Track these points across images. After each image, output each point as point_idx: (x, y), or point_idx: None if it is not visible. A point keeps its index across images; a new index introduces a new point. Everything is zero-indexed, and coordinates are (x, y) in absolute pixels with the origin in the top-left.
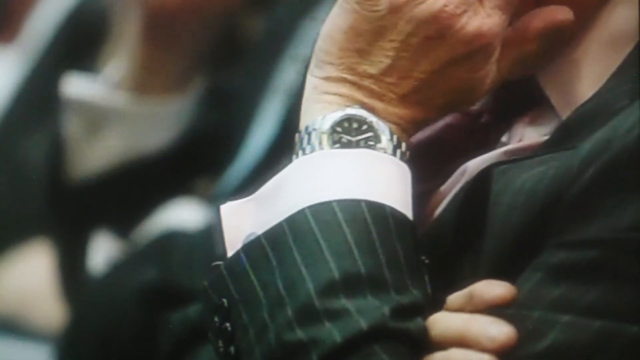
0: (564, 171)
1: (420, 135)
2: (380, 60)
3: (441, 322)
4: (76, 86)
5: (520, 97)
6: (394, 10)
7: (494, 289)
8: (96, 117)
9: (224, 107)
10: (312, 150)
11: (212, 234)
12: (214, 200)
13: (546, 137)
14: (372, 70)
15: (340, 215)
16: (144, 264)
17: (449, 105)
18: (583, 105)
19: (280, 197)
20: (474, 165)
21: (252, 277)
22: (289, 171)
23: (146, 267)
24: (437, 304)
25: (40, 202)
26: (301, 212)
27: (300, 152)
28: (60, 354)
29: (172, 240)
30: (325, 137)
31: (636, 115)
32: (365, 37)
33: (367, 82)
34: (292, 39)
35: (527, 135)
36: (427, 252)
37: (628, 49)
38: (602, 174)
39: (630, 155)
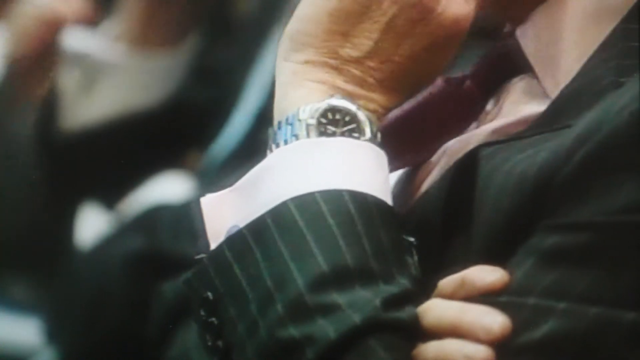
0: (555, 153)
1: (403, 106)
2: (363, 43)
3: (434, 310)
4: (74, 39)
5: (503, 65)
6: None
7: (486, 275)
8: (92, 70)
9: (213, 79)
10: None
11: (197, 204)
12: (201, 173)
13: (530, 113)
14: (355, 53)
15: (323, 206)
16: (131, 234)
17: (416, 88)
18: (570, 83)
19: (262, 189)
20: (456, 143)
21: (237, 271)
22: (270, 161)
23: (133, 237)
24: (428, 287)
25: (30, 167)
26: (284, 204)
27: (282, 143)
28: (49, 325)
29: (158, 211)
30: (311, 129)
31: (627, 97)
32: (351, 18)
33: (348, 67)
34: (282, 14)
35: (510, 102)
36: (415, 233)
37: (614, 22)
38: (594, 156)
39: (621, 136)
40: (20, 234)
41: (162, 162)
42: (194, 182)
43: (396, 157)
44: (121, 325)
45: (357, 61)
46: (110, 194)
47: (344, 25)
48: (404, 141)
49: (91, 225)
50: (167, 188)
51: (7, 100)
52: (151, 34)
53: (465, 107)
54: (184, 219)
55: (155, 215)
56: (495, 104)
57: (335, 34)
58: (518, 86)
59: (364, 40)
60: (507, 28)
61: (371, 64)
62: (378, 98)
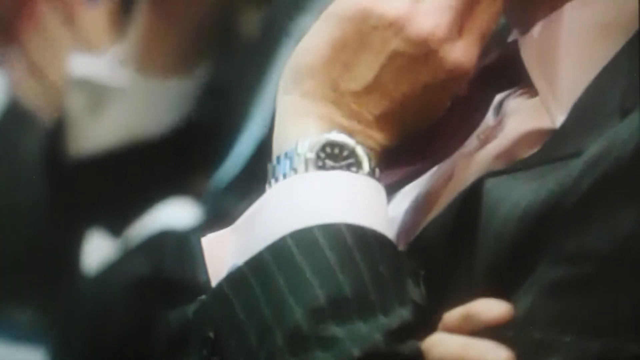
0: (560, 186)
1: None
2: (363, 75)
3: (439, 345)
4: (80, 64)
5: (502, 72)
6: (385, 25)
7: (491, 308)
8: (99, 95)
9: (219, 104)
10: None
11: (202, 230)
12: (207, 197)
13: (532, 128)
14: (354, 86)
15: (322, 240)
16: (136, 260)
17: (413, 129)
18: (576, 106)
19: (261, 225)
20: (462, 168)
21: (237, 306)
22: (269, 197)
23: (137, 263)
24: (433, 317)
25: (36, 192)
26: (282, 240)
27: (281, 177)
28: (53, 351)
29: (163, 237)
30: (310, 163)
31: (634, 125)
32: (352, 48)
33: (347, 101)
34: (289, 34)
35: (511, 117)
36: (421, 262)
37: (623, 39)
38: (599, 186)
39: (626, 166)
40: (25, 260)
41: (168, 188)
42: (199, 207)
43: (397, 161)
44: (125, 351)
45: (356, 95)
46: (116, 220)
47: (344, 54)
48: (400, 148)
49: (97, 251)
50: (173, 214)
51: (14, 125)
52: (157, 59)
53: (464, 113)
54: (189, 245)
55: (161, 241)
56: (496, 117)
57: (336, 64)
58: (519, 100)
59: (365, 73)
60: (511, 37)
61: (370, 99)
62: (376, 135)
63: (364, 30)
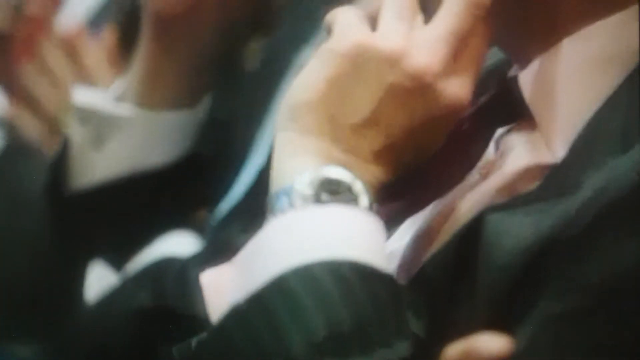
0: (562, 218)
1: None
2: (361, 108)
3: None
4: (82, 95)
5: (502, 107)
6: (381, 58)
7: (492, 344)
8: (101, 126)
9: (222, 133)
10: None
11: (203, 262)
12: (208, 229)
13: (532, 163)
14: (352, 119)
15: (321, 277)
16: (136, 289)
17: (411, 164)
18: (577, 139)
19: (260, 261)
20: (463, 203)
21: (238, 343)
22: (267, 233)
23: (138, 291)
24: (435, 350)
25: (37, 224)
26: (282, 277)
27: (279, 213)
28: None
29: (164, 265)
30: (308, 198)
31: (634, 159)
32: (349, 82)
33: (345, 135)
34: (291, 66)
35: (512, 151)
36: (421, 296)
37: (622, 74)
38: (600, 219)
39: (628, 199)
40: (26, 293)
41: (169, 220)
42: (201, 240)
43: (396, 195)
44: None
45: (354, 128)
46: (117, 252)
47: (341, 86)
48: (400, 180)
49: (99, 284)
50: (174, 246)
51: (14, 158)
52: (159, 92)
53: (465, 147)
54: (189, 277)
55: (161, 270)
56: (497, 151)
57: (333, 98)
58: (519, 134)
59: (362, 105)
60: (511, 72)
61: (368, 132)
62: (374, 169)
63: (360, 64)
